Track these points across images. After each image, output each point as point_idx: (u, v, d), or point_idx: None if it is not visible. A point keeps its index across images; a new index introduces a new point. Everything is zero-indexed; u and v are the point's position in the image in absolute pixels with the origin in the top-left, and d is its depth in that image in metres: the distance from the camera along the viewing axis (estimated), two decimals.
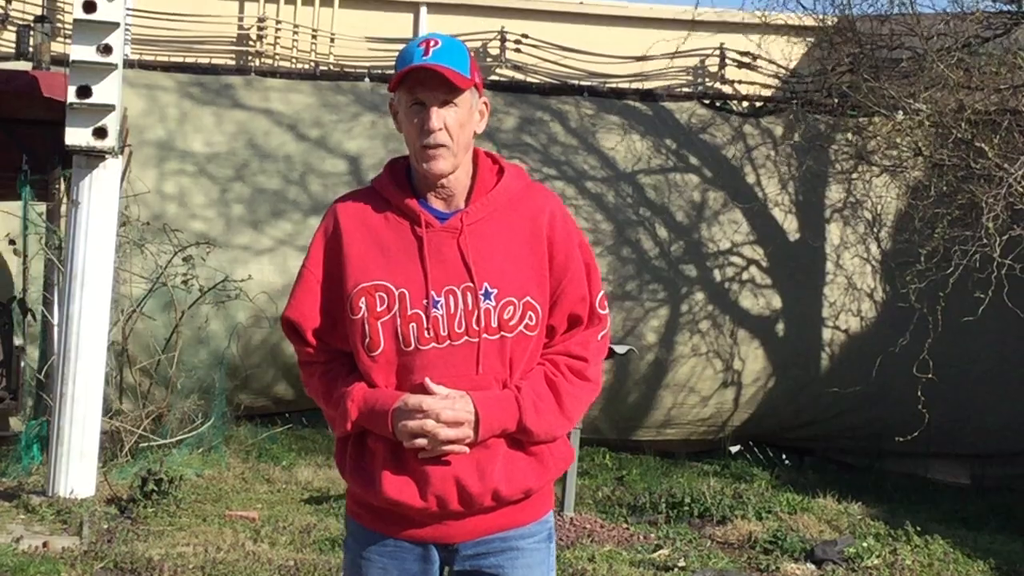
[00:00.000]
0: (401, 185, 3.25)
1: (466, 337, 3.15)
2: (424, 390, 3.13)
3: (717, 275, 12.97)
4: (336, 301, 3.22)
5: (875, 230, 13.13)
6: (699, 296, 12.84)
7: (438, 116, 3.14)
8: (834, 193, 13.18)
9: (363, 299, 3.17)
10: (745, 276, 12.99)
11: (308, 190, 12.31)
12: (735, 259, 12.99)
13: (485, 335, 3.16)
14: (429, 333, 3.15)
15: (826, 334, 13.07)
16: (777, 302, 12.99)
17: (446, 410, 3.10)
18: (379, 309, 3.16)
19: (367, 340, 3.17)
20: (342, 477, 3.34)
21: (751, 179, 13.15)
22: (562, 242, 3.27)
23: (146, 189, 11.24)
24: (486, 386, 3.17)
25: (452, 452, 3.13)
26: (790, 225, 13.09)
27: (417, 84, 3.15)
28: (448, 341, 3.15)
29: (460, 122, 3.17)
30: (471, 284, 3.15)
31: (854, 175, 13.01)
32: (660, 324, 12.70)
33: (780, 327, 13.02)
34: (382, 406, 3.15)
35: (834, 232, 13.14)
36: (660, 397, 12.89)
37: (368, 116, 12.76)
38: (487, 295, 3.16)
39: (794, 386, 12.94)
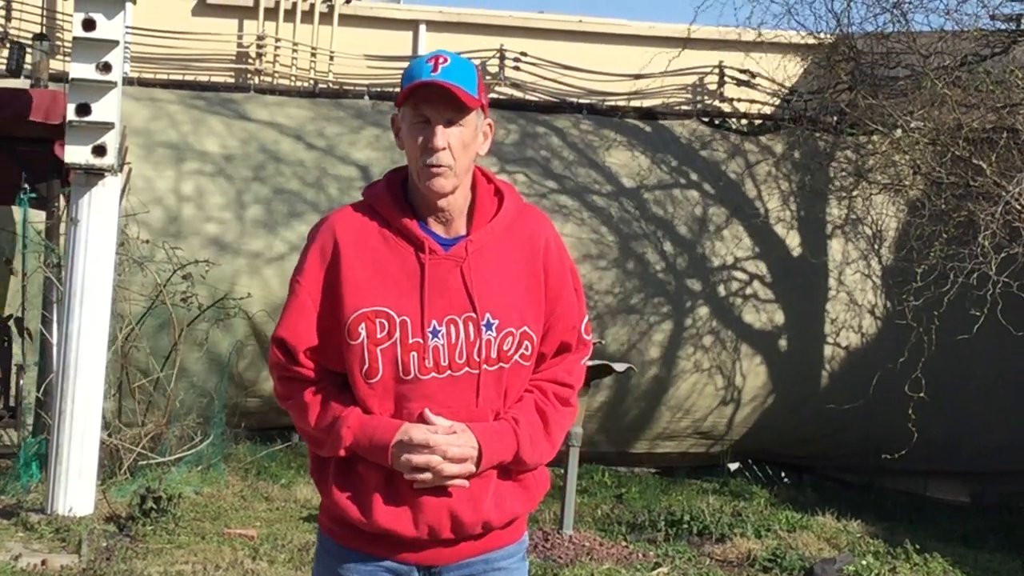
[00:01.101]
0: (400, 205, 3.18)
1: (467, 368, 3.11)
2: (423, 420, 3.09)
3: (721, 290, 12.97)
4: (331, 322, 3.14)
5: (876, 247, 13.15)
6: (702, 311, 12.84)
7: (442, 135, 3.07)
8: (835, 210, 13.18)
9: (363, 324, 3.10)
10: (748, 291, 12.99)
11: (326, 191, 12.26)
12: (738, 274, 12.99)
13: (485, 366, 3.12)
14: (429, 363, 3.10)
15: (827, 350, 13.06)
16: (779, 317, 12.98)
17: (452, 447, 3.07)
18: (379, 336, 3.10)
19: (365, 367, 3.11)
20: (320, 493, 3.26)
21: (752, 194, 13.16)
22: (556, 270, 3.24)
23: (145, 210, 11.23)
24: (483, 417, 3.14)
25: (453, 486, 3.11)
26: (792, 241, 13.10)
27: (423, 100, 3.09)
28: (448, 371, 3.11)
29: (464, 142, 3.11)
30: (473, 314, 3.11)
31: (854, 192, 13.02)
32: (664, 338, 12.70)
33: (782, 342, 13.02)
34: (381, 437, 3.09)
35: (836, 248, 13.14)
36: (661, 411, 12.88)
37: (371, 130, 12.75)
38: (488, 326, 3.12)
39: (795, 401, 12.92)
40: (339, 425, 3.13)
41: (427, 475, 3.07)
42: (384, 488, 3.12)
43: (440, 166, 3.09)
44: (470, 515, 3.13)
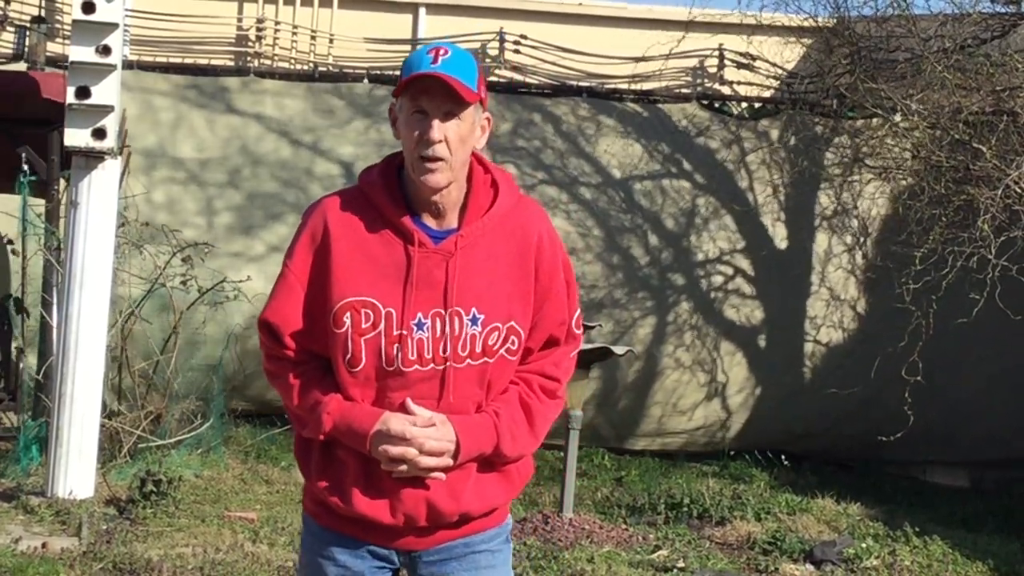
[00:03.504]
0: (394, 195, 3.16)
1: (450, 362, 3.11)
2: (405, 410, 3.10)
3: (704, 284, 12.99)
4: (318, 308, 3.14)
5: (862, 240, 13.13)
6: (686, 305, 12.85)
7: (439, 128, 3.05)
8: (825, 199, 13.16)
9: (348, 314, 3.10)
10: (731, 286, 13.01)
11: (307, 192, 12.29)
12: (723, 267, 13.00)
13: (469, 360, 3.12)
14: (413, 355, 3.10)
15: (814, 345, 13.08)
16: (765, 310, 13.00)
17: (429, 440, 3.07)
18: (364, 326, 3.10)
19: (348, 355, 3.11)
20: (302, 474, 3.27)
21: (744, 184, 13.15)
22: (548, 266, 3.22)
23: (144, 190, 11.23)
24: (464, 410, 3.14)
25: (430, 477, 3.12)
26: (779, 232, 13.11)
27: (421, 92, 3.06)
28: (432, 364, 3.11)
29: (461, 136, 3.08)
30: (459, 309, 3.10)
31: (851, 178, 12.99)
32: (648, 332, 12.72)
33: (766, 336, 13.03)
34: (360, 426, 3.10)
35: (822, 240, 13.13)
36: (650, 406, 12.91)
37: (360, 121, 12.75)
38: (474, 321, 3.12)
39: (785, 395, 12.95)
40: (320, 411, 3.13)
41: (403, 467, 3.09)
42: (363, 475, 3.14)
43: (436, 159, 3.06)
44: (448, 505, 3.15)
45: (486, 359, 3.14)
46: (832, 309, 13.11)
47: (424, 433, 3.08)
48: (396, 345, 3.09)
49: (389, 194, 3.16)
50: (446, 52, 3.08)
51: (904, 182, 12.20)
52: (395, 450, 3.07)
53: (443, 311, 3.10)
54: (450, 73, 3.04)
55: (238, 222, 12.29)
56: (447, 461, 3.10)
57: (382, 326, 3.09)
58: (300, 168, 12.57)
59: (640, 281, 12.85)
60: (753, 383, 13.02)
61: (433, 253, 3.11)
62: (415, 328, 3.09)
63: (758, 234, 13.06)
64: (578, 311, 3.32)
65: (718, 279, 13.00)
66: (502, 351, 3.16)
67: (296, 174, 12.53)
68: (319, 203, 3.23)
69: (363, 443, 3.10)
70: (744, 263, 13.03)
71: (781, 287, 13.04)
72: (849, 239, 13.15)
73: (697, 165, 13.15)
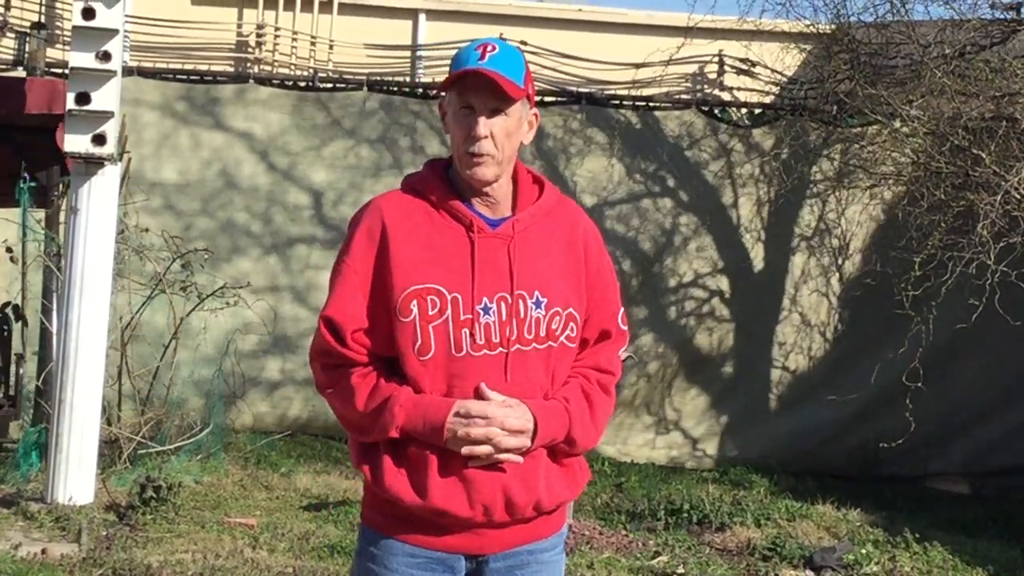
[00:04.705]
0: (446, 186, 3.20)
1: (518, 345, 3.12)
2: (479, 396, 3.09)
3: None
4: (380, 303, 3.14)
5: (838, 259, 13.15)
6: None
7: (485, 124, 3.10)
8: (808, 215, 13.16)
9: (414, 302, 3.10)
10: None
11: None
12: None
13: (535, 344, 3.14)
14: (481, 339, 3.10)
15: (800, 360, 13.10)
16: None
17: (510, 418, 3.07)
18: (431, 313, 3.10)
19: (418, 343, 3.10)
20: (370, 481, 3.20)
21: (728, 200, 13.16)
22: (595, 256, 3.27)
23: (146, 199, 11.23)
24: (532, 395, 3.14)
25: (507, 460, 3.10)
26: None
27: (468, 89, 3.11)
28: (500, 348, 3.11)
29: (507, 132, 3.13)
30: (523, 292, 3.12)
31: (847, 182, 12.98)
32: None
33: (749, 360, 13.07)
34: (435, 415, 3.08)
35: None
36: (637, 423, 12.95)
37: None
38: (538, 304, 3.14)
39: (773, 416, 12.99)
40: (391, 405, 3.11)
41: (486, 448, 3.07)
42: (438, 468, 3.11)
43: (482, 155, 3.11)
44: (523, 495, 3.13)
45: (550, 343, 3.16)
46: (803, 335, 13.16)
47: (504, 412, 3.08)
48: (465, 330, 3.10)
49: (442, 186, 3.20)
50: (494, 48, 3.12)
51: (903, 188, 12.19)
52: (478, 431, 3.05)
53: (508, 295, 3.12)
54: (497, 69, 3.09)
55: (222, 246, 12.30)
56: (525, 442, 3.09)
57: (449, 312, 3.10)
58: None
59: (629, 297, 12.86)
60: (749, 406, 13.05)
61: (492, 237, 3.15)
62: (482, 312, 3.11)
63: (738, 254, 13.10)
64: (622, 308, 3.36)
65: (689, 304, 13.03)
66: (563, 338, 3.18)
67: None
68: (369, 203, 3.25)
69: (439, 433, 3.07)
70: (719, 285, 13.07)
71: (759, 307, 13.08)
72: (847, 238, 13.15)
73: (682, 180, 13.11)
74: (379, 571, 3.19)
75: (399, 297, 3.10)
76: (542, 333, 3.14)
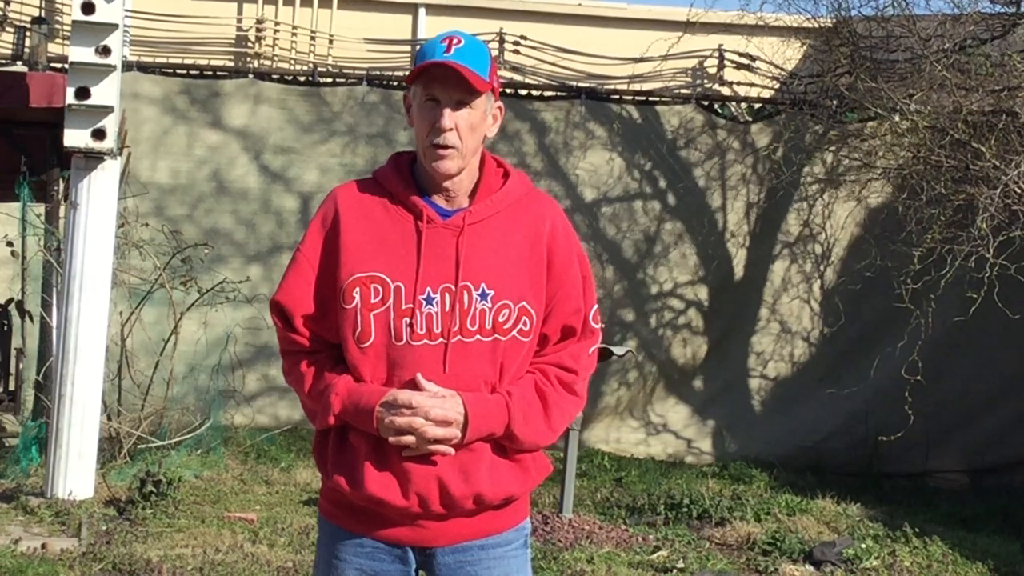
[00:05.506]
0: (405, 179, 3.20)
1: (459, 336, 3.10)
2: (415, 386, 3.08)
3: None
4: (329, 289, 3.17)
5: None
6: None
7: (450, 117, 3.10)
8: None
9: (357, 289, 3.11)
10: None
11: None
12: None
13: (479, 336, 3.12)
14: (422, 329, 3.10)
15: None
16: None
17: (435, 408, 3.06)
18: (373, 301, 3.11)
19: (358, 331, 3.12)
20: (321, 472, 3.26)
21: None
22: (561, 252, 3.23)
23: (145, 191, 11.23)
24: (475, 388, 3.12)
25: (437, 452, 3.09)
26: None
27: (434, 81, 3.11)
28: (441, 339, 3.10)
29: (472, 125, 3.13)
30: (468, 283, 3.11)
31: (850, 178, 12.99)
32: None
33: (761, 350, 13.09)
34: (367, 401, 3.09)
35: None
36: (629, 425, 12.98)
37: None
38: (483, 296, 3.12)
39: (774, 411, 13.00)
40: (329, 392, 3.14)
41: (410, 438, 3.06)
42: (373, 457, 3.12)
43: (447, 147, 3.11)
44: (460, 487, 3.11)
45: (497, 336, 3.13)
46: (785, 340, 13.18)
47: (429, 401, 3.06)
48: (405, 319, 3.10)
49: (400, 177, 3.21)
50: (459, 41, 3.12)
51: (902, 182, 12.19)
52: (401, 420, 3.05)
53: (452, 286, 3.11)
54: (462, 62, 3.08)
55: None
56: (455, 432, 3.07)
57: (391, 301, 3.11)
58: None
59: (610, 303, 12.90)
60: (749, 406, 13.08)
61: (441, 228, 3.15)
62: (424, 303, 3.10)
63: (721, 255, 13.14)
64: (595, 306, 3.32)
65: (667, 315, 13.03)
66: (514, 332, 3.15)
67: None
68: (332, 192, 3.28)
69: (369, 419, 3.08)
70: (697, 295, 13.09)
71: (744, 308, 13.11)
72: (844, 238, 13.16)
73: (673, 181, 13.12)
74: (332, 561, 3.23)
75: (343, 283, 3.13)
76: (488, 325, 3.12)
